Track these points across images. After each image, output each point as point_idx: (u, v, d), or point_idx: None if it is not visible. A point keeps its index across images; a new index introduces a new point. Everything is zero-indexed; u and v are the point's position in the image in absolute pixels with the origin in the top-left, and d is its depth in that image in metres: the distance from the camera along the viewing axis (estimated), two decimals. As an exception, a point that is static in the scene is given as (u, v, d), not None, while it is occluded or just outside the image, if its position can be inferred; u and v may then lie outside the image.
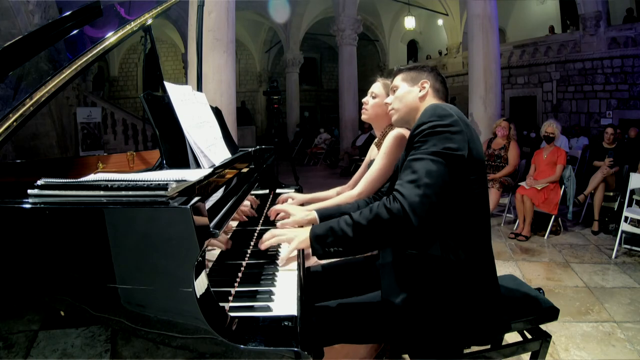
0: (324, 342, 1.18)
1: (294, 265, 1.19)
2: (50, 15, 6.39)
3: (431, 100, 1.34)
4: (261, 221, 1.66)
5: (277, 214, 1.54)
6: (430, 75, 1.38)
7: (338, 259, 1.63)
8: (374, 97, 1.81)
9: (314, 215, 1.43)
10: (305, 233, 1.16)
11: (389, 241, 1.14)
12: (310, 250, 1.15)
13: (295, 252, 1.23)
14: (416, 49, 16.87)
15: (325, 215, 1.44)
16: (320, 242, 1.12)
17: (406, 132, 1.73)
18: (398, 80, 1.42)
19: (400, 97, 1.38)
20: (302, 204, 1.74)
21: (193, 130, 1.33)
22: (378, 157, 1.73)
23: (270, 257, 1.25)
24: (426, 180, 1.05)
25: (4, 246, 0.81)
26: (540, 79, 10.65)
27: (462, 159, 1.09)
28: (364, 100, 1.86)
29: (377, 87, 1.82)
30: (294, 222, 1.41)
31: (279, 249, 1.31)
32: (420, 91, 1.35)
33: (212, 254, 1.23)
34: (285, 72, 14.28)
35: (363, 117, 1.88)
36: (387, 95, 1.74)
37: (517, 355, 1.35)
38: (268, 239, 1.20)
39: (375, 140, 1.88)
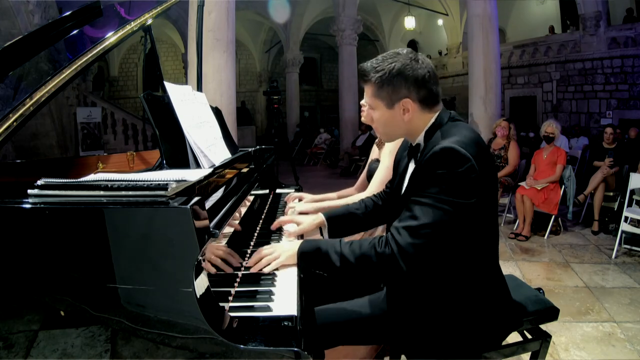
0: (325, 344, 1.17)
1: (293, 265, 1.19)
2: (50, 15, 6.39)
3: (422, 116, 1.12)
4: (261, 221, 1.66)
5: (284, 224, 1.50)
6: (408, 85, 1.08)
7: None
8: None
9: (322, 218, 1.39)
10: (293, 249, 1.13)
11: (376, 280, 1.14)
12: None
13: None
14: (416, 49, 16.72)
15: (333, 215, 1.42)
16: (306, 260, 1.10)
17: None
18: (369, 94, 1.13)
19: (382, 122, 1.15)
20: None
21: (193, 130, 1.33)
22: (384, 157, 1.73)
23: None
24: (425, 231, 0.98)
25: (4, 246, 0.81)
26: (540, 79, 10.65)
27: (473, 205, 1.01)
28: (362, 102, 1.85)
29: None
30: (301, 231, 1.40)
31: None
32: (404, 113, 1.11)
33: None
34: (285, 72, 14.28)
35: (362, 119, 1.88)
36: None
37: (517, 355, 1.35)
38: (256, 261, 1.12)
39: (376, 140, 1.88)
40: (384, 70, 1.09)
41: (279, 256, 1.12)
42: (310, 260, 1.10)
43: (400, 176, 1.27)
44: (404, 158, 1.29)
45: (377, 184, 1.72)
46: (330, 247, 1.07)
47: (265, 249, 1.16)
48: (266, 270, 1.10)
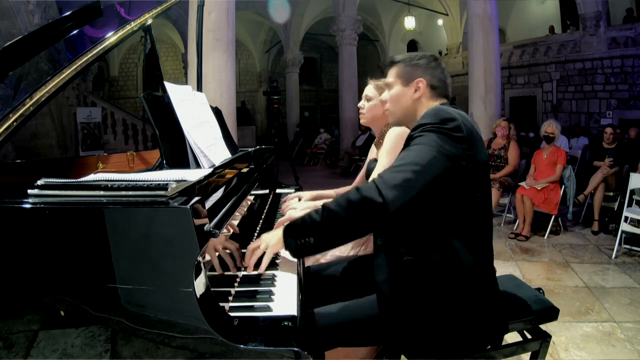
0: (325, 346, 1.17)
1: (293, 265, 1.19)
2: (50, 15, 6.39)
3: (427, 102, 1.25)
4: (261, 221, 1.66)
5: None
6: (426, 72, 1.25)
7: (337, 260, 1.64)
8: (368, 100, 1.82)
9: None
10: (278, 233, 1.11)
11: (360, 226, 1.02)
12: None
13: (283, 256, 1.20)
14: (416, 49, 16.85)
15: None
16: (291, 234, 1.07)
17: (406, 129, 1.73)
18: (392, 75, 1.29)
19: (394, 98, 1.28)
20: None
21: (193, 130, 1.33)
22: (381, 156, 1.72)
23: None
24: (412, 167, 0.99)
25: (4, 246, 0.81)
26: (540, 79, 10.65)
27: (460, 164, 1.04)
28: (359, 105, 1.86)
29: (369, 89, 1.82)
30: None
31: (279, 250, 1.31)
32: (415, 92, 1.24)
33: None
34: (285, 72, 14.28)
35: (362, 121, 1.89)
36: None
37: (517, 355, 1.35)
38: (249, 258, 1.11)
39: (375, 140, 1.88)
40: (410, 56, 1.29)
41: (267, 246, 1.11)
42: (294, 231, 1.06)
43: None
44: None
45: None
46: (312, 211, 1.07)
47: (252, 245, 1.14)
48: (262, 267, 1.10)
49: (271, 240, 1.11)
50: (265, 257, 1.10)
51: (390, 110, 1.32)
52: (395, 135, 1.70)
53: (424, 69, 1.25)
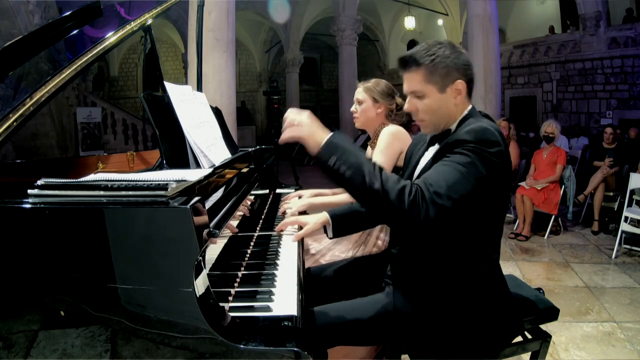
0: (324, 344, 1.17)
1: (293, 265, 1.19)
2: (50, 15, 6.39)
3: (464, 102, 1.14)
4: (261, 221, 1.66)
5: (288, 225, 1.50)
6: (459, 69, 1.10)
7: (337, 260, 1.64)
8: (360, 103, 1.82)
9: (326, 216, 1.42)
10: (322, 134, 1.01)
11: (385, 217, 1.00)
12: (310, 248, 1.15)
13: (292, 252, 1.21)
14: (416, 49, 16.85)
15: (337, 213, 1.44)
16: (331, 149, 0.98)
17: (400, 127, 1.74)
18: (418, 81, 1.10)
19: (432, 110, 1.12)
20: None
21: (193, 130, 1.33)
22: (376, 155, 1.73)
23: (271, 257, 1.25)
24: (450, 193, 0.95)
25: (4, 246, 0.81)
26: (540, 79, 10.64)
27: (490, 190, 1.02)
28: (352, 109, 1.87)
29: (359, 93, 1.83)
30: (307, 233, 1.41)
31: (279, 250, 1.31)
32: (455, 97, 1.11)
33: (212, 254, 1.22)
34: (285, 72, 14.27)
35: (356, 125, 1.90)
36: (372, 99, 1.76)
37: (517, 355, 1.35)
38: (287, 127, 1.04)
39: (370, 141, 1.89)
40: (437, 54, 1.08)
41: (305, 138, 1.01)
42: (335, 153, 0.97)
43: (413, 167, 1.27)
44: (418, 151, 1.29)
45: None
46: (363, 159, 0.97)
47: (291, 129, 1.04)
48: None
49: (312, 135, 1.01)
50: (307, 143, 1.02)
51: (426, 121, 1.16)
52: (389, 134, 1.70)
53: (457, 66, 1.10)
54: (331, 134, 1.01)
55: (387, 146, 1.69)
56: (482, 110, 1.19)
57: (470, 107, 1.17)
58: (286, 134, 1.04)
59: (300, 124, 1.03)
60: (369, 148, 1.92)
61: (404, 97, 1.23)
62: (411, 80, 1.12)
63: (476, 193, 0.99)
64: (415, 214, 0.92)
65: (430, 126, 1.17)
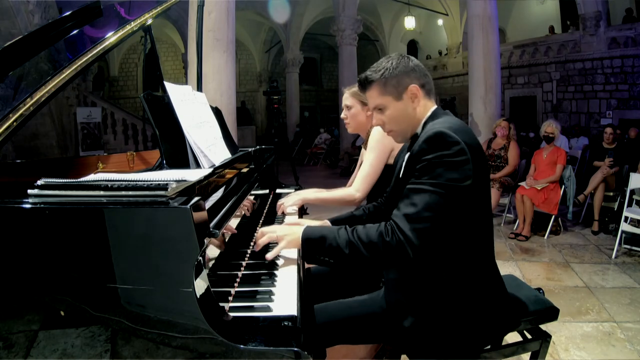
0: (325, 342, 1.17)
1: (293, 265, 1.19)
2: (50, 15, 6.39)
3: (425, 102, 1.19)
4: (261, 221, 1.66)
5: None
6: (410, 74, 1.16)
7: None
8: (349, 109, 1.83)
9: (327, 223, 1.41)
10: (297, 233, 1.12)
11: (384, 267, 1.18)
12: None
13: (292, 252, 1.21)
14: (416, 49, 16.87)
15: (337, 219, 1.45)
16: (311, 247, 1.10)
17: None
18: (375, 96, 1.18)
19: (394, 119, 1.18)
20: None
21: (193, 130, 1.33)
22: (367, 153, 1.76)
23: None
24: (424, 214, 1.00)
25: (4, 246, 0.81)
26: (540, 79, 10.65)
27: (467, 188, 1.03)
28: (342, 116, 1.89)
29: (347, 99, 1.84)
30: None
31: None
32: (413, 101, 1.17)
33: (212, 253, 1.22)
34: (285, 72, 14.28)
35: (349, 130, 1.91)
36: (360, 102, 1.77)
37: (517, 355, 1.35)
38: (260, 238, 1.16)
39: (362, 142, 1.91)
40: (384, 67, 1.17)
41: (282, 239, 1.13)
42: (315, 247, 1.09)
43: (397, 174, 1.28)
44: (401, 158, 1.30)
45: (360, 179, 1.74)
46: (337, 235, 1.07)
47: (266, 229, 1.17)
48: (269, 256, 1.12)
49: (287, 236, 1.13)
50: (277, 248, 1.13)
51: (395, 131, 1.22)
52: (377, 133, 1.73)
53: (405, 72, 1.16)
54: (302, 229, 1.12)
55: (377, 143, 1.72)
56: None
57: (434, 107, 1.20)
58: (264, 239, 1.16)
59: (274, 232, 1.16)
60: (362, 150, 1.93)
61: None
62: (371, 97, 1.20)
63: (451, 199, 1.01)
64: (402, 248, 1.00)
65: (399, 135, 1.23)
